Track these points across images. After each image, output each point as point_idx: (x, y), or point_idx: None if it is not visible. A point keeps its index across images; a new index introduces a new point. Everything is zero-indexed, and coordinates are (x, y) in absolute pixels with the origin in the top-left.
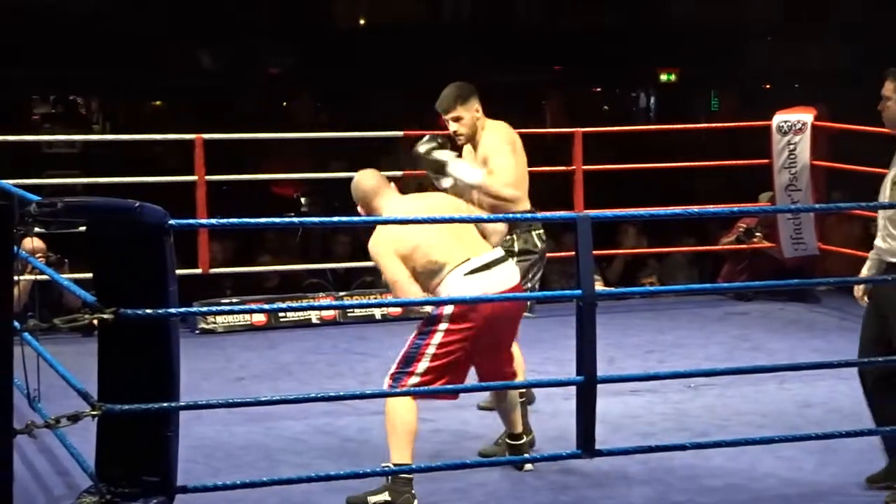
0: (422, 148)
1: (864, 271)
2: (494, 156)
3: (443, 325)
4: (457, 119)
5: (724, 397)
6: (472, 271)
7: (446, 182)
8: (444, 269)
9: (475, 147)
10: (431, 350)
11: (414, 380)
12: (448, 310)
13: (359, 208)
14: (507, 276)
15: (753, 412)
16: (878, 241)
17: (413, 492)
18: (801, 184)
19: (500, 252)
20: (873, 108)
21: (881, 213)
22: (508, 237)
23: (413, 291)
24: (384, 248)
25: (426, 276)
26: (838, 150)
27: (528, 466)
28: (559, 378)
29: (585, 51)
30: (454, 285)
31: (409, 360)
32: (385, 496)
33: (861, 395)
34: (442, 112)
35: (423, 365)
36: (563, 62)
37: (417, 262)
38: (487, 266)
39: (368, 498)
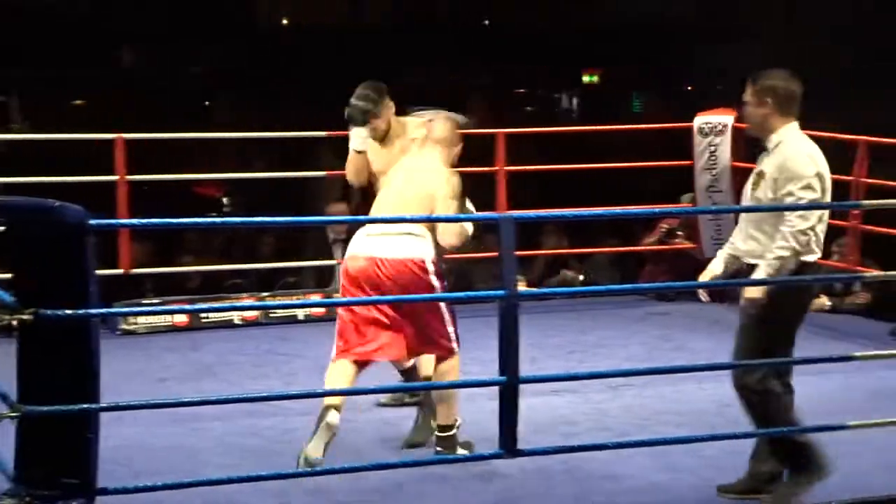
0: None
1: (719, 268)
2: None
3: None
4: (377, 118)
5: (644, 397)
6: (371, 234)
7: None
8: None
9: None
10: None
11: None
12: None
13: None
14: (389, 247)
15: (673, 412)
16: (738, 243)
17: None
18: (722, 185)
19: (407, 228)
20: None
21: (743, 216)
22: None
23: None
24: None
25: None
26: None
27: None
28: (482, 378)
29: (509, 52)
30: (354, 241)
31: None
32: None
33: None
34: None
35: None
36: (487, 62)
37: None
38: (383, 233)
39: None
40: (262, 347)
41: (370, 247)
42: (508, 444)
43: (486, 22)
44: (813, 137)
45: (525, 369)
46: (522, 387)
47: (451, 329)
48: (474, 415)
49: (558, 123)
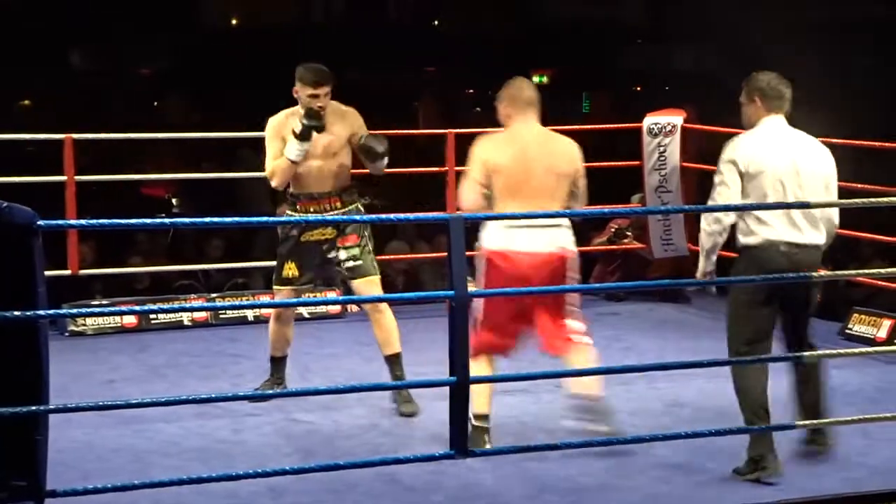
0: (379, 146)
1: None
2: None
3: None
4: (327, 94)
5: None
6: (512, 227)
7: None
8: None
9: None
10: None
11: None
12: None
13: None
14: (540, 241)
15: (624, 411)
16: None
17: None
18: (672, 185)
19: (552, 220)
20: (737, 110)
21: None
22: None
23: (468, 196)
24: (478, 149)
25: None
26: (713, 151)
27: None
28: (432, 379)
29: (458, 52)
30: (493, 233)
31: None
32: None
33: (728, 393)
34: (319, 82)
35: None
36: (436, 63)
37: (493, 186)
38: (530, 226)
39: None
40: (211, 349)
41: (525, 241)
42: (459, 444)
43: (436, 23)
44: None
45: None
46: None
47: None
48: (425, 415)
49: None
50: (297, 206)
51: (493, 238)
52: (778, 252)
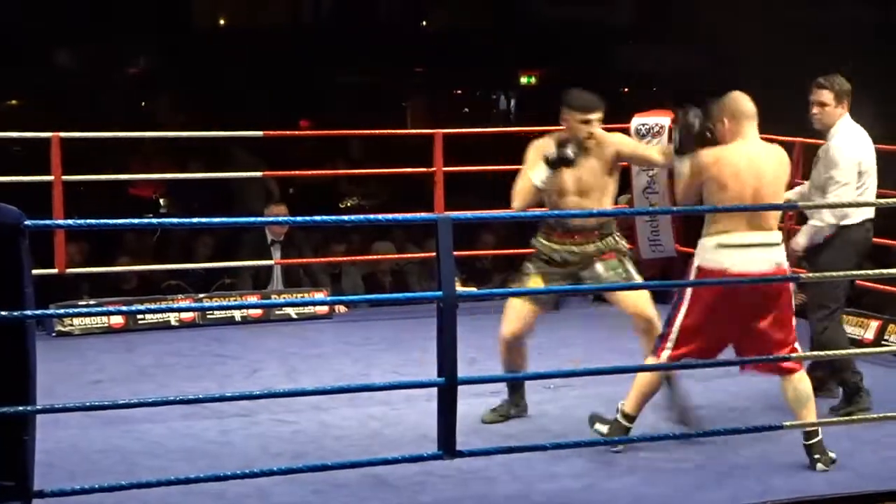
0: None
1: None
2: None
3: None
4: (599, 120)
5: (583, 398)
6: (727, 245)
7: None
8: (714, 227)
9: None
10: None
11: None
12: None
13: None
14: (760, 260)
15: (611, 412)
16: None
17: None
18: (659, 186)
19: (769, 237)
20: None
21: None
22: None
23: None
24: (705, 156)
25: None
26: None
27: None
28: (420, 380)
29: (447, 53)
30: (706, 251)
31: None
32: (606, 428)
33: (715, 393)
34: (589, 108)
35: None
36: (425, 64)
37: (711, 196)
38: (747, 245)
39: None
40: (198, 349)
41: (744, 259)
42: (447, 445)
43: (424, 23)
44: None
45: (464, 370)
46: (461, 388)
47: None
48: (413, 416)
49: (495, 124)
50: (550, 237)
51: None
52: (865, 228)
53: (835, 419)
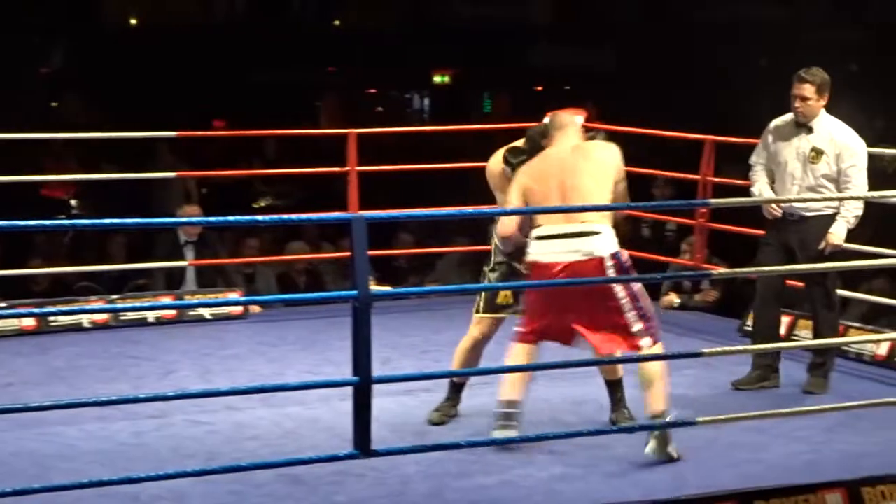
0: None
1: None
2: None
3: None
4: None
5: (497, 395)
6: (542, 237)
7: None
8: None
9: None
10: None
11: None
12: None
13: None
14: (566, 250)
15: (527, 410)
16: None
17: None
18: None
19: (578, 227)
20: (639, 110)
21: (795, 181)
22: None
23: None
24: (520, 174)
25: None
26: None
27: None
28: (335, 379)
29: (360, 52)
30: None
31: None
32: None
33: (630, 390)
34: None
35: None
36: (338, 63)
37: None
38: (558, 236)
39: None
40: (111, 351)
41: (555, 249)
42: (362, 444)
43: (337, 22)
44: (660, 137)
45: (379, 369)
46: (376, 387)
47: (637, 324)
48: (328, 415)
49: (409, 123)
50: None
51: None
52: None
53: (743, 415)
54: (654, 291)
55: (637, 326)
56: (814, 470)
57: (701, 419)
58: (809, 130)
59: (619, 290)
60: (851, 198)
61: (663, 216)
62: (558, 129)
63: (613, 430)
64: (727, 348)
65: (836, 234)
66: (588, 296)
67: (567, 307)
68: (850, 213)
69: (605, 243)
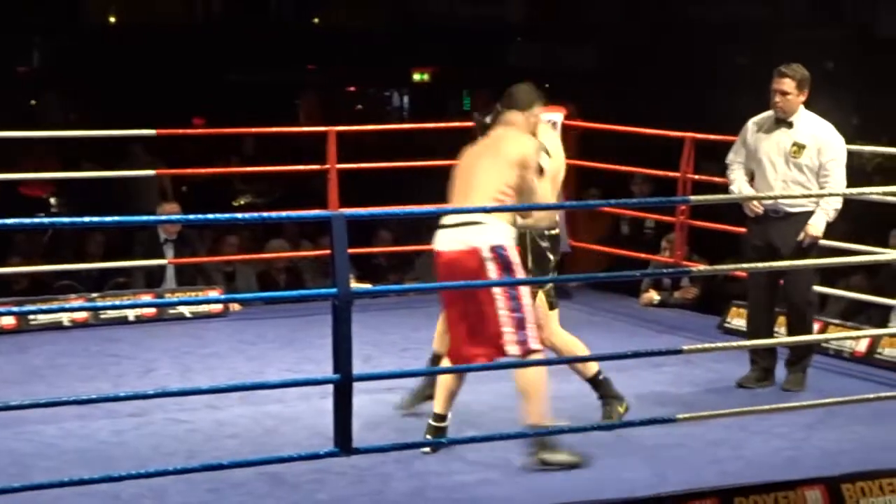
0: None
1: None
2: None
3: None
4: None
5: (476, 393)
6: (441, 226)
7: None
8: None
9: None
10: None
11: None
12: None
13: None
14: (450, 240)
15: (508, 407)
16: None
17: None
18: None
19: (464, 217)
20: (617, 108)
21: (779, 176)
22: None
23: None
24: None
25: None
26: (593, 148)
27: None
28: (315, 377)
29: (339, 50)
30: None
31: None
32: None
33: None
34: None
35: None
36: (317, 61)
37: None
38: (450, 225)
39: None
40: (91, 349)
41: (440, 241)
42: (343, 442)
43: (316, 20)
44: (639, 135)
45: (359, 367)
46: (357, 385)
47: (508, 328)
48: (309, 413)
49: (389, 121)
50: None
51: None
52: None
53: (724, 412)
54: (635, 289)
55: (507, 330)
56: (794, 466)
57: (681, 416)
58: (790, 126)
59: (496, 288)
60: (832, 194)
61: (643, 213)
62: (508, 107)
63: (592, 428)
64: (707, 345)
65: (815, 226)
66: (464, 290)
67: (449, 302)
68: (830, 206)
69: (486, 235)
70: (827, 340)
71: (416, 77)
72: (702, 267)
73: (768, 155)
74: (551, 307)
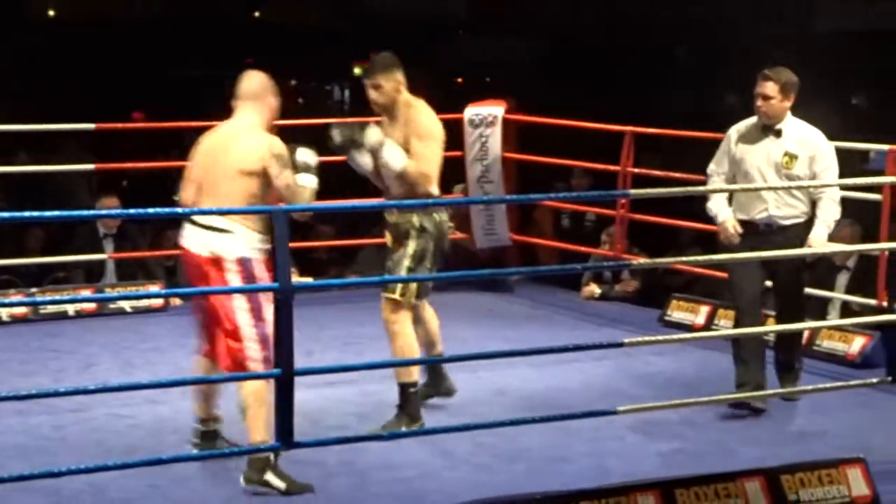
0: (369, 133)
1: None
2: (421, 142)
3: None
4: (376, 87)
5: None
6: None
7: (364, 159)
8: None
9: (393, 119)
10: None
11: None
12: None
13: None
14: (198, 243)
15: (448, 401)
16: (772, 210)
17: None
18: (493, 175)
19: (205, 220)
20: (560, 101)
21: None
22: (409, 214)
23: None
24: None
25: None
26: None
27: None
28: (257, 372)
29: (280, 43)
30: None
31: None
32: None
33: (552, 380)
34: (365, 78)
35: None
36: (256, 54)
37: None
38: (198, 224)
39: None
40: (31, 345)
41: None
42: (284, 436)
43: (257, 14)
44: (578, 129)
45: (301, 362)
46: (298, 379)
47: (251, 343)
48: None
49: (330, 115)
50: None
51: None
52: None
53: (665, 404)
54: (575, 282)
55: (250, 345)
56: (734, 458)
57: (622, 408)
58: (778, 134)
59: (241, 302)
60: (816, 187)
61: (583, 207)
62: (238, 97)
63: (534, 420)
64: (648, 338)
65: (818, 241)
66: (208, 297)
67: (197, 304)
68: (829, 216)
69: (233, 245)
70: (766, 333)
71: (358, 70)
72: (642, 260)
73: (758, 167)
74: (418, 296)
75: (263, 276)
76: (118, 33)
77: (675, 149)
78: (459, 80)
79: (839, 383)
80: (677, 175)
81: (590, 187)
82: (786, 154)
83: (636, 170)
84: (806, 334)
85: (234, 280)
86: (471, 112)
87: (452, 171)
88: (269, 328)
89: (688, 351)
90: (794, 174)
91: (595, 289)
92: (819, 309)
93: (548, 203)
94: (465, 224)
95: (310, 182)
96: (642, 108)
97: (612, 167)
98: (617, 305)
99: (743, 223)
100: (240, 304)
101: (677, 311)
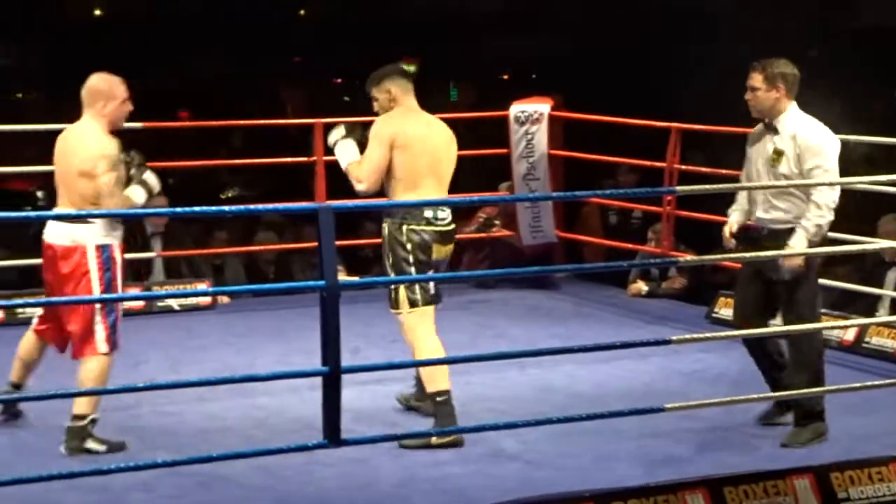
0: (332, 133)
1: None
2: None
3: None
4: (372, 98)
5: (467, 384)
6: None
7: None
8: None
9: None
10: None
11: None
12: None
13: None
14: (57, 234)
15: (496, 398)
16: (759, 213)
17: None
18: (539, 173)
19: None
20: (608, 98)
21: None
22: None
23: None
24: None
25: None
26: (579, 139)
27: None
28: (304, 369)
29: (325, 42)
30: None
31: None
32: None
33: (599, 377)
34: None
35: None
36: (303, 53)
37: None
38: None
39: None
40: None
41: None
42: (332, 434)
43: (301, 13)
44: (624, 126)
45: (348, 359)
46: (345, 376)
47: (99, 327)
48: (298, 405)
49: (375, 113)
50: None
51: None
52: None
53: (713, 402)
54: (622, 279)
55: (99, 328)
56: (783, 455)
57: (669, 406)
58: (775, 131)
59: (95, 285)
60: (804, 186)
61: (630, 203)
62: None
63: (581, 418)
64: (695, 335)
65: (793, 248)
66: (65, 284)
67: (51, 292)
68: (811, 221)
69: (90, 233)
70: (817, 330)
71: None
72: (689, 257)
73: (756, 165)
74: (414, 305)
75: (119, 263)
76: (155, 33)
77: (720, 145)
78: (506, 76)
79: (889, 381)
80: (723, 171)
81: (636, 184)
82: (774, 150)
83: (682, 166)
84: (854, 331)
85: (94, 267)
86: (516, 109)
87: (498, 169)
88: (119, 309)
89: (735, 348)
90: (779, 173)
91: (642, 286)
92: (868, 306)
93: (594, 200)
94: (511, 222)
95: (135, 195)
96: (688, 103)
97: (658, 164)
98: (664, 302)
99: (743, 228)
100: (95, 288)
101: (725, 308)
